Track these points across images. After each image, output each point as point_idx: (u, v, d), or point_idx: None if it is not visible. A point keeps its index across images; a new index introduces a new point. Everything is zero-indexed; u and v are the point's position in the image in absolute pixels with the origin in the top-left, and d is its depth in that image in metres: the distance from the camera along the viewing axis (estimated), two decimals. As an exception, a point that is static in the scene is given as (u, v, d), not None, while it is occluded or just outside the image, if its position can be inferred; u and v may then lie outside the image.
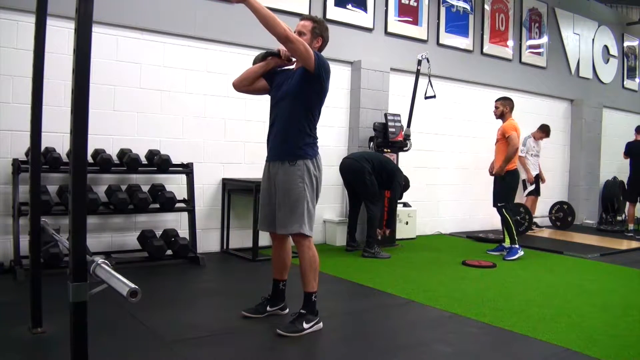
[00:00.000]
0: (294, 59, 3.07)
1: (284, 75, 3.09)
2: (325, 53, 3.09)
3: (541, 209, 7.99)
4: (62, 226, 3.63)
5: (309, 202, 2.95)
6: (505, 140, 5.46)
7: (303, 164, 2.94)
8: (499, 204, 5.52)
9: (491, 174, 5.79)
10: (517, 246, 5.44)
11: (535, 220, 7.90)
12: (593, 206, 8.96)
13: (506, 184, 5.51)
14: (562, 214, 7.93)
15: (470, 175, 7.31)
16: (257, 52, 4.72)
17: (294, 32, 2.91)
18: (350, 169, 5.41)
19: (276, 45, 3.02)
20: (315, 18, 3.08)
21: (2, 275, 4.01)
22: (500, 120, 5.65)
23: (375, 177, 5.34)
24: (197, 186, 4.95)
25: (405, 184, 5.78)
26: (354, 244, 5.57)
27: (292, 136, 2.95)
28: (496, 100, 5.68)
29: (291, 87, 2.97)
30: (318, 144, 3.06)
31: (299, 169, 2.93)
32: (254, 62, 3.16)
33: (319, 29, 3.04)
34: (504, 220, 5.52)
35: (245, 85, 3.14)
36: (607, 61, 9.33)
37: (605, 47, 9.31)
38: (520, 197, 7.31)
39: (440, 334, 3.09)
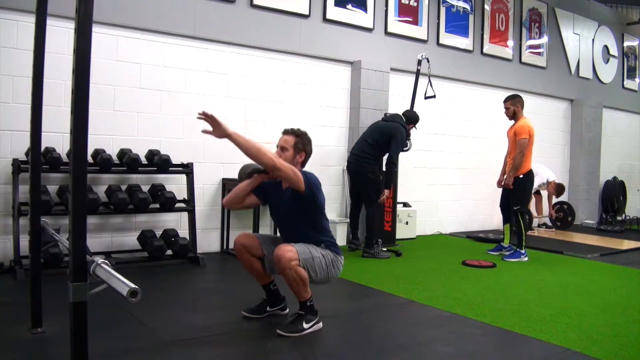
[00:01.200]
0: None
1: (275, 193, 3.08)
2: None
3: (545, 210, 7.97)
4: (62, 226, 3.63)
5: (316, 253, 2.93)
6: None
7: (329, 252, 3.01)
8: (515, 207, 5.41)
9: (499, 185, 5.64)
10: (523, 251, 5.39)
11: (544, 220, 7.89)
12: (593, 206, 8.96)
13: (523, 185, 5.40)
14: (562, 214, 7.92)
15: (470, 175, 7.32)
16: (257, 53, 4.72)
17: (277, 146, 2.98)
18: (354, 168, 5.36)
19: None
20: (297, 132, 3.06)
21: (2, 275, 4.01)
22: (507, 120, 5.56)
23: (382, 151, 5.28)
24: (197, 186, 4.95)
25: (413, 119, 5.57)
26: (356, 242, 5.51)
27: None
28: (505, 101, 5.55)
29: (288, 211, 3.01)
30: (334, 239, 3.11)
31: (326, 252, 2.99)
32: (240, 177, 3.14)
33: (302, 143, 3.03)
34: (517, 224, 5.41)
35: (236, 202, 3.11)
36: (607, 61, 9.34)
37: (605, 47, 9.31)
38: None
39: (440, 334, 3.08)
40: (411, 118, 5.55)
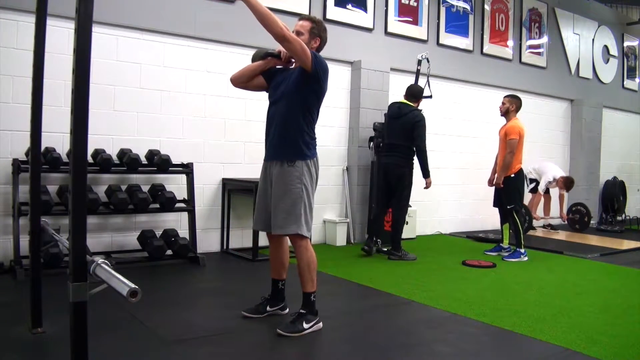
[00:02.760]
0: (293, 61, 3.07)
1: (282, 75, 3.10)
2: (325, 53, 3.10)
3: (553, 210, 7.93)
4: (62, 226, 3.63)
5: (307, 203, 2.95)
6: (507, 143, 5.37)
7: (302, 165, 2.95)
8: (508, 207, 5.43)
9: (490, 184, 5.66)
10: (523, 251, 5.40)
11: (549, 221, 7.86)
12: (593, 206, 8.95)
13: (512, 185, 5.42)
14: (579, 216, 7.86)
15: (470, 175, 7.31)
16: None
17: (292, 32, 2.91)
18: (394, 174, 5.28)
19: (276, 47, 3.02)
20: (313, 18, 3.09)
21: (2, 275, 4.01)
22: (503, 119, 5.57)
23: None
24: (197, 186, 4.95)
25: (420, 93, 5.50)
26: (368, 249, 5.31)
27: (290, 136, 2.96)
28: (504, 97, 5.61)
29: (289, 87, 2.98)
30: (317, 144, 3.07)
31: (297, 169, 2.94)
32: (253, 59, 3.16)
33: (317, 29, 3.04)
34: (513, 223, 5.44)
35: (242, 81, 3.16)
36: (607, 61, 9.34)
37: (605, 47, 9.31)
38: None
39: (440, 334, 3.09)
40: (418, 94, 5.44)
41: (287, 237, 3.13)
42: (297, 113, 2.96)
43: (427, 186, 5.37)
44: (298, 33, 2.99)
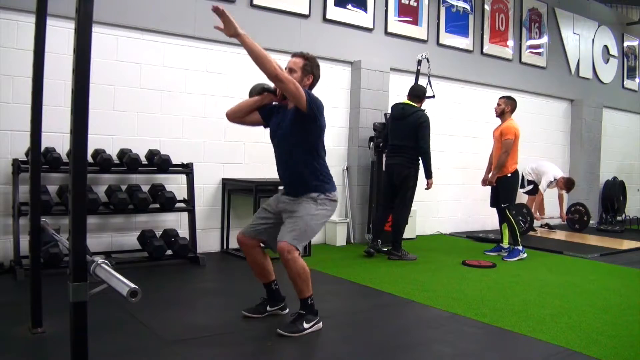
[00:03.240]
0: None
1: (280, 116, 3.06)
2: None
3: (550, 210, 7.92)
4: (62, 226, 3.63)
5: (311, 224, 2.93)
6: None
7: (316, 196, 2.98)
8: (502, 205, 5.47)
9: (484, 184, 5.68)
10: (520, 248, 5.43)
11: (546, 221, 7.85)
12: (593, 206, 8.95)
13: (508, 184, 5.48)
14: (578, 216, 7.85)
15: (470, 175, 7.30)
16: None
17: (285, 68, 2.91)
18: (399, 174, 5.26)
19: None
20: (307, 55, 3.05)
21: (2, 275, 4.01)
22: (499, 120, 5.62)
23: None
24: (197, 186, 4.95)
25: (423, 93, 5.53)
26: (373, 252, 5.29)
27: (302, 178, 2.97)
28: (500, 98, 5.64)
29: (287, 130, 2.96)
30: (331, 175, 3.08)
31: (312, 196, 2.97)
32: (250, 94, 3.13)
33: (310, 66, 3.02)
34: (508, 222, 5.48)
35: (238, 116, 3.13)
36: (607, 61, 9.34)
37: (605, 47, 9.31)
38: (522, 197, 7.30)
39: (440, 334, 3.09)
40: (421, 94, 5.43)
41: (259, 241, 3.12)
42: (303, 155, 2.96)
43: (428, 187, 5.37)
44: (291, 70, 2.96)
